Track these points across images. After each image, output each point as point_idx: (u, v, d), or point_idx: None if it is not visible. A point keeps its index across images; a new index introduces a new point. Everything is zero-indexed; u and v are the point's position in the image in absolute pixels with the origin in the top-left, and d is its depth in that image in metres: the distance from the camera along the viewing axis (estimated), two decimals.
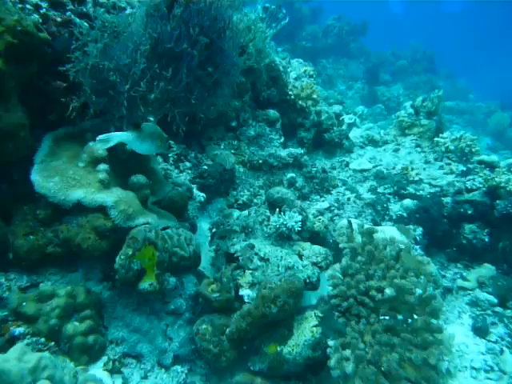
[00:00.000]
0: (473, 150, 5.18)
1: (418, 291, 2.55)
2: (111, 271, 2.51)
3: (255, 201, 4.67)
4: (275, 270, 2.86)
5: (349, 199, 4.93)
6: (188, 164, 4.35)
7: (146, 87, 2.78)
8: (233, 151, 4.88)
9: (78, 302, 2.32)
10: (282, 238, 3.12)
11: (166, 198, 3.36)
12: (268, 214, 3.28)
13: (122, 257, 2.43)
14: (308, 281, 2.87)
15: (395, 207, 4.91)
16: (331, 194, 5.12)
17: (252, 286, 2.82)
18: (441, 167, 5.36)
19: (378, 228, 3.62)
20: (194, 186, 4.18)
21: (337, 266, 2.81)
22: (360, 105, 11.28)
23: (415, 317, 2.53)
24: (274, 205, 3.31)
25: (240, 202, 4.60)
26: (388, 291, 2.50)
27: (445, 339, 2.47)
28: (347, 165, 5.98)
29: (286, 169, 4.98)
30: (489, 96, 15.70)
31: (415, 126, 6.37)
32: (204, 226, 4.21)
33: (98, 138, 2.35)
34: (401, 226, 3.71)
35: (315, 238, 3.33)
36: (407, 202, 4.85)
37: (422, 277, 2.79)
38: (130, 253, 2.44)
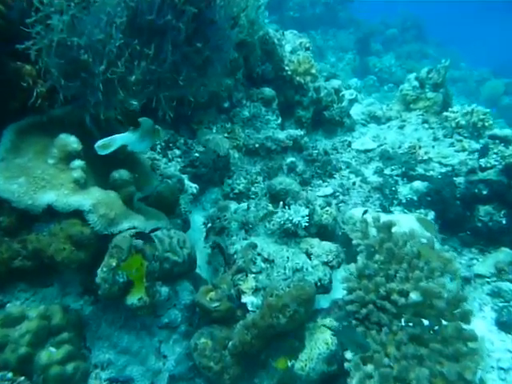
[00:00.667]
0: (486, 124, 4.88)
1: (447, 293, 2.28)
2: (93, 284, 2.20)
3: (253, 189, 4.35)
4: (281, 272, 2.57)
5: (354, 183, 4.63)
6: (177, 151, 4.00)
7: (125, 67, 2.41)
8: (226, 135, 4.53)
9: (53, 324, 2.02)
10: (288, 234, 2.82)
11: (154, 193, 3.02)
12: (270, 208, 2.97)
13: (105, 269, 2.11)
14: (319, 284, 2.59)
15: (404, 190, 4.63)
16: (334, 178, 4.82)
17: (256, 291, 2.53)
18: (451, 144, 5.05)
19: (393, 218, 3.34)
20: (185, 176, 3.84)
21: (351, 266, 2.53)
22: (352, 77, 10.86)
23: (444, 323, 2.27)
24: (277, 197, 3.00)
25: (236, 191, 4.28)
26: (414, 296, 2.23)
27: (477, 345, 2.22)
28: (349, 145, 5.65)
29: (285, 153, 4.65)
30: (480, 64, 15.47)
31: (421, 99, 6.03)
32: (198, 219, 3.90)
33: (97, 145, 2.10)
34: (421, 218, 3.42)
35: (323, 232, 3.04)
36: (417, 184, 4.56)
37: (448, 275, 2.52)
38: (114, 264, 2.13)
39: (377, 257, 2.43)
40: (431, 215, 4.39)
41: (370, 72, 11.67)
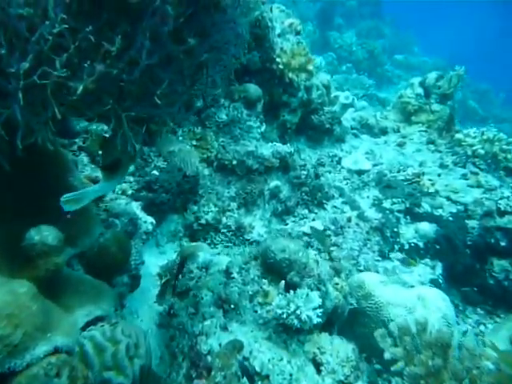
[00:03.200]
0: (509, 156, 4.45)
1: None
2: None
3: (224, 220, 3.60)
4: None
5: (349, 220, 4.01)
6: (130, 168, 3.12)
7: (68, 69, 1.54)
8: (194, 142, 3.71)
9: None
10: (288, 330, 2.13)
11: (95, 247, 2.19)
12: (266, 286, 2.24)
13: None
14: None
15: (408, 232, 4.10)
16: (325, 209, 4.17)
17: None
18: (464, 176, 4.59)
19: (414, 291, 2.76)
20: (138, 204, 2.99)
21: None
22: (311, 51, 10.25)
23: None
24: (276, 270, 2.28)
25: (202, 221, 3.51)
26: None
27: None
28: (339, 161, 5.04)
29: (269, 173, 3.91)
30: (433, 52, 15.74)
31: (424, 111, 5.53)
32: (149, 261, 3.09)
33: (62, 199, 1.75)
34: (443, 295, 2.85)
35: (332, 318, 2.38)
36: (425, 227, 4.05)
37: None
38: None
39: None
40: (439, 269, 3.91)
41: (330, 48, 11.18)
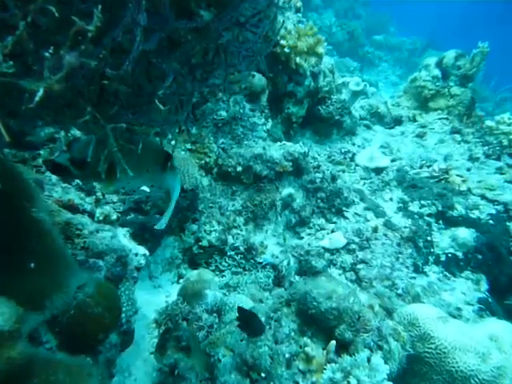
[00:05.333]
0: None
1: None
2: None
3: (230, 240, 3.09)
4: None
5: (376, 229, 3.53)
6: None
7: (20, 61, 1.03)
8: (189, 146, 3.18)
9: None
10: None
11: (72, 308, 1.66)
12: (307, 346, 1.74)
13: None
14: None
15: (443, 241, 3.64)
16: (345, 217, 3.68)
17: None
18: (499, 170, 4.14)
19: (483, 329, 2.29)
20: (126, 230, 2.45)
21: None
22: None
23: None
24: (319, 321, 1.77)
25: (204, 243, 3.01)
26: None
27: None
28: (353, 158, 4.55)
29: (281, 179, 3.40)
30: (409, 31, 15.61)
31: (442, 96, 5.06)
32: (142, 297, 2.56)
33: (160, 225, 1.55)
34: None
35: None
36: (463, 233, 3.59)
37: None
38: None
39: None
40: (484, 284, 3.47)
41: None
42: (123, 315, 2.02)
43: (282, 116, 4.20)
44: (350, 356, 1.64)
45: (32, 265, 1.68)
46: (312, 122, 4.70)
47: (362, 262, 3.31)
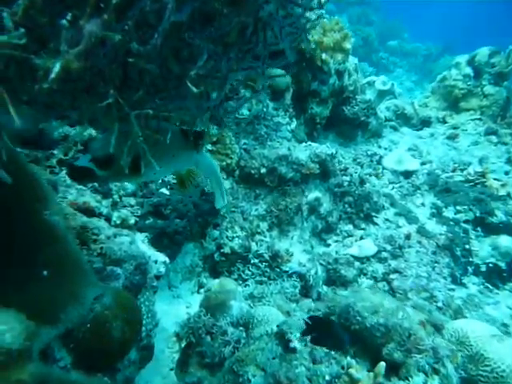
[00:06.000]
0: None
1: None
2: None
3: (254, 247, 2.92)
4: None
5: (409, 236, 3.34)
6: (129, 185, 2.45)
7: (33, 34, 0.86)
8: (209, 147, 3.03)
9: None
10: None
11: (88, 321, 1.51)
12: (351, 367, 1.56)
13: None
14: None
15: (483, 249, 3.43)
16: (374, 223, 3.50)
17: None
18: None
19: None
20: (144, 235, 2.31)
21: None
22: None
23: None
24: (364, 338, 1.60)
25: (226, 250, 2.85)
26: None
27: None
28: (380, 161, 4.37)
29: (306, 182, 3.24)
30: (423, 37, 15.55)
31: (474, 95, 4.86)
32: (161, 308, 2.40)
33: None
34: None
35: None
36: (505, 241, 3.38)
37: None
38: None
39: None
40: None
41: None
42: (143, 328, 1.87)
43: (305, 117, 4.04)
44: (403, 380, 1.45)
45: (45, 273, 1.53)
46: (335, 124, 4.53)
47: (396, 271, 3.12)
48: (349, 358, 1.59)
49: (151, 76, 1.14)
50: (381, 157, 4.37)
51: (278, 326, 1.89)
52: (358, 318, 1.58)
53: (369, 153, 4.40)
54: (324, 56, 3.57)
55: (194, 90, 1.11)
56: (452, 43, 14.35)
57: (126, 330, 1.59)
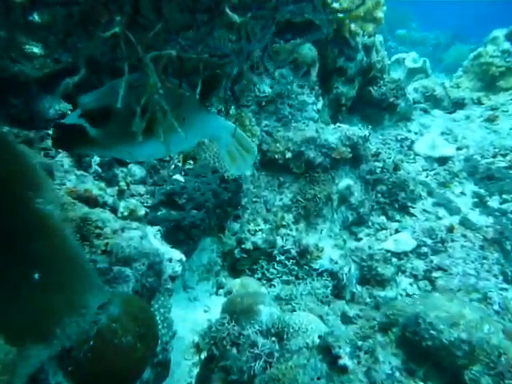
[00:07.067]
0: None
1: None
2: None
3: (279, 242, 2.63)
4: None
5: (451, 229, 3.03)
6: (137, 171, 2.16)
7: None
8: None
9: None
10: None
11: (91, 338, 1.22)
12: None
13: None
14: None
15: None
16: (411, 214, 3.19)
17: None
18: None
19: None
20: (156, 229, 2.01)
21: None
22: None
23: None
24: (439, 357, 1.29)
25: (248, 245, 2.57)
26: None
27: None
28: (411, 146, 4.04)
29: (336, 168, 2.93)
30: (432, 26, 15.43)
31: None
32: (175, 313, 2.10)
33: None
34: None
35: None
36: None
37: None
38: None
39: None
40: None
41: None
42: (158, 342, 1.58)
43: (330, 97, 3.72)
44: None
45: (36, 276, 1.25)
46: (359, 106, 4.20)
47: (439, 268, 2.82)
48: (418, 381, 1.29)
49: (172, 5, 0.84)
50: (412, 142, 4.05)
51: (320, 336, 1.60)
52: (431, 331, 1.28)
53: (399, 137, 4.08)
54: (353, 26, 3.24)
55: (237, 18, 0.81)
56: (461, 31, 14.12)
57: (138, 348, 1.31)
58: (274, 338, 1.79)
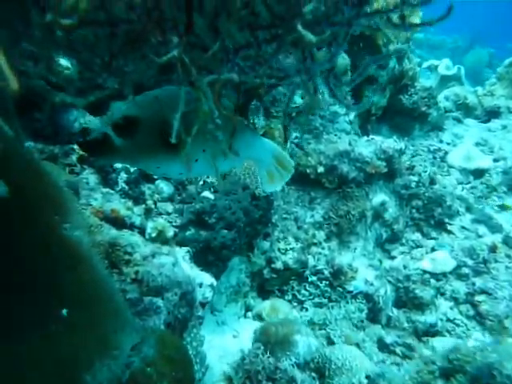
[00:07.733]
0: None
1: None
2: None
3: (311, 262, 2.51)
4: None
5: (494, 249, 2.88)
6: (164, 187, 2.07)
7: None
8: None
9: None
10: None
11: (124, 383, 1.11)
12: None
13: None
14: None
15: None
16: (448, 231, 3.05)
17: None
18: None
19: None
20: (185, 251, 1.91)
21: None
22: None
23: None
24: None
25: (278, 265, 2.45)
26: None
27: None
28: (444, 158, 3.90)
29: (370, 183, 2.80)
30: (449, 30, 15.32)
31: None
32: (205, 339, 1.99)
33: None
34: None
35: None
36: None
37: None
38: None
39: None
40: None
41: None
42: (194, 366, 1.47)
43: (359, 105, 3.60)
44: None
45: (64, 312, 1.16)
46: (388, 116, 4.07)
47: (482, 291, 2.67)
48: None
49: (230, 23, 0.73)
50: (445, 153, 3.90)
51: (368, 377, 1.48)
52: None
53: (431, 148, 3.93)
54: (388, 34, 3.12)
55: (312, 37, 0.71)
56: (479, 35, 13.91)
57: None
58: (313, 374, 1.68)
